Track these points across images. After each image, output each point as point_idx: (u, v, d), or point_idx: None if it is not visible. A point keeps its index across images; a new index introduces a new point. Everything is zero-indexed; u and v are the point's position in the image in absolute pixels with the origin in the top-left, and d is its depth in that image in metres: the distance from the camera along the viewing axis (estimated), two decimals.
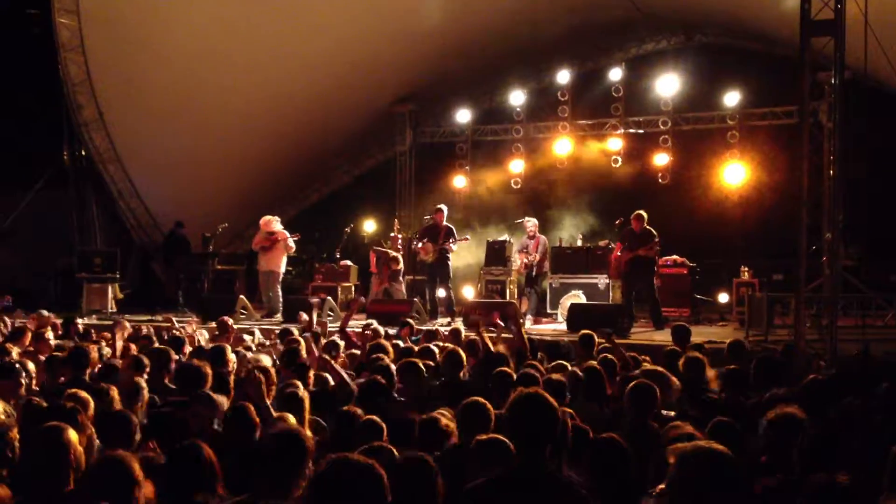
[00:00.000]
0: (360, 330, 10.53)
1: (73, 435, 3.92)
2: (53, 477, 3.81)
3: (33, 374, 6.48)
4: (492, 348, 7.77)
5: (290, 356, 7.50)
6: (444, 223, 14.78)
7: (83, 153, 17.26)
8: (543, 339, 10.82)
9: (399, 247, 16.51)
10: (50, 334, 9.55)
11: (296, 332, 9.67)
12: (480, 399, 4.55)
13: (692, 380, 6.71)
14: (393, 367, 6.76)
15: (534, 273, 14.94)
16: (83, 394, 5.28)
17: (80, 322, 10.51)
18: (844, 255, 11.94)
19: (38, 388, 6.57)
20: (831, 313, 9.93)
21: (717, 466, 3.10)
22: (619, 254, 13.90)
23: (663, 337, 11.37)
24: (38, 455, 3.88)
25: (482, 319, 9.56)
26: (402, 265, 15.46)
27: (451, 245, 14.63)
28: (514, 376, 6.19)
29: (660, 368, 6.63)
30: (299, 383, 5.87)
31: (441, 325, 12.72)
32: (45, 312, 11.34)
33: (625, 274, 13.66)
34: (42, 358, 7.59)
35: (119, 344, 8.63)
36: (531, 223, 15.20)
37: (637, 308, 14.02)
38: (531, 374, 6.11)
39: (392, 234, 16.87)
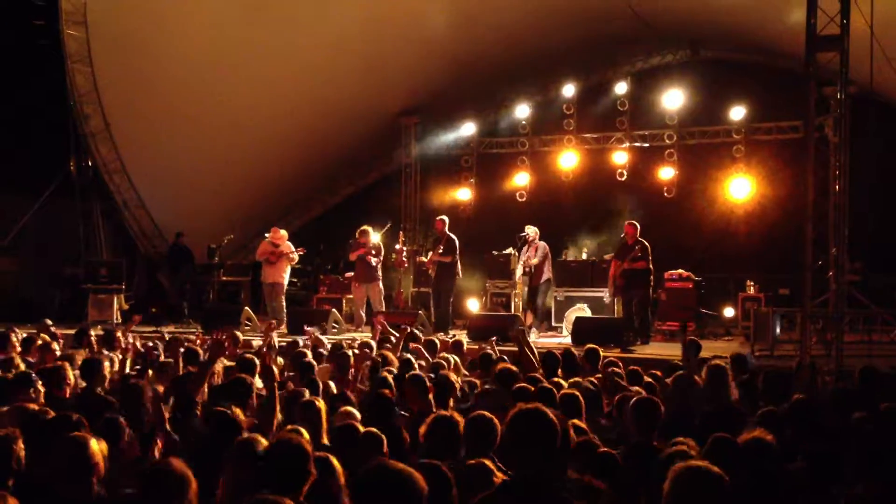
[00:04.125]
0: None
1: (95, 444, 4.00)
2: (79, 485, 3.87)
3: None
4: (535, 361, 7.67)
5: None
6: (446, 233, 14.57)
7: (89, 163, 17.30)
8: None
9: (404, 259, 16.46)
10: (55, 345, 9.57)
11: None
12: (486, 413, 4.52)
13: (715, 391, 6.64)
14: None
15: (532, 279, 14.73)
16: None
17: (94, 333, 10.46)
18: (850, 271, 11.92)
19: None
20: (837, 328, 9.90)
21: (710, 488, 3.13)
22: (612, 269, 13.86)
23: (671, 352, 11.35)
24: (63, 464, 3.91)
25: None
26: (374, 258, 14.68)
27: (442, 256, 14.31)
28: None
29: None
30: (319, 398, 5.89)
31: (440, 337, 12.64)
32: (48, 322, 11.35)
33: (622, 287, 13.59)
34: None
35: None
36: (531, 230, 15.03)
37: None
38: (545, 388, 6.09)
39: (397, 247, 16.79)
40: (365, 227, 14.96)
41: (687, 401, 6.09)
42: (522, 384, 6.33)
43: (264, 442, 4.31)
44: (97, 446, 3.99)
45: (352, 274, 16.41)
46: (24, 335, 9.71)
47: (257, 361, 7.21)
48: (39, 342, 9.35)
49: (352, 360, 8.32)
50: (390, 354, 8.36)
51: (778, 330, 11.97)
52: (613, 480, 4.35)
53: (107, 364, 7.20)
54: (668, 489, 3.18)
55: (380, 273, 14.81)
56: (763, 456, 4.29)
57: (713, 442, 4.45)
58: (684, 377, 6.60)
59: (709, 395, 6.44)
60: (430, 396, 6.10)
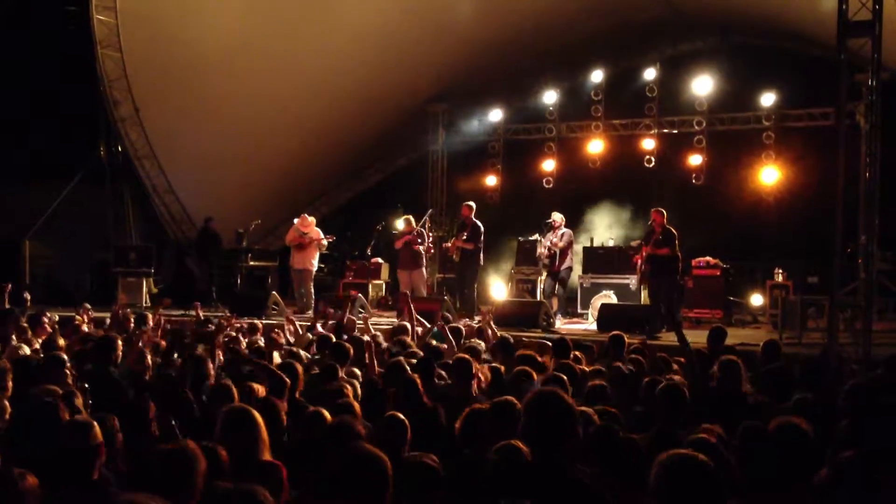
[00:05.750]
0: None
1: (96, 427, 4.07)
2: (84, 468, 3.94)
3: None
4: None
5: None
6: (472, 219, 14.59)
7: (119, 149, 17.46)
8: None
9: (430, 245, 16.46)
10: (85, 327, 9.73)
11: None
12: (511, 398, 4.53)
13: (728, 383, 6.61)
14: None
15: (553, 265, 14.67)
16: None
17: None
18: (880, 259, 11.78)
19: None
20: (865, 317, 9.82)
21: (695, 476, 3.10)
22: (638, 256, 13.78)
23: (697, 339, 11.27)
24: (70, 446, 3.98)
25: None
26: (421, 246, 14.70)
27: (465, 242, 14.35)
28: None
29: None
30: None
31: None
32: (87, 306, 11.51)
33: (649, 273, 13.51)
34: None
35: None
36: (557, 217, 14.96)
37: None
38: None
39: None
40: (408, 216, 15.02)
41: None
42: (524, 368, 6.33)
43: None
44: (98, 430, 4.05)
45: (378, 259, 16.64)
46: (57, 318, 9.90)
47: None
48: (75, 322, 9.56)
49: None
50: (408, 340, 8.38)
51: (806, 318, 11.83)
52: (635, 468, 4.32)
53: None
54: (653, 480, 3.14)
55: (424, 260, 14.85)
56: (796, 442, 4.24)
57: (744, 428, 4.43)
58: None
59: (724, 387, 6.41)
60: (474, 383, 6.11)
